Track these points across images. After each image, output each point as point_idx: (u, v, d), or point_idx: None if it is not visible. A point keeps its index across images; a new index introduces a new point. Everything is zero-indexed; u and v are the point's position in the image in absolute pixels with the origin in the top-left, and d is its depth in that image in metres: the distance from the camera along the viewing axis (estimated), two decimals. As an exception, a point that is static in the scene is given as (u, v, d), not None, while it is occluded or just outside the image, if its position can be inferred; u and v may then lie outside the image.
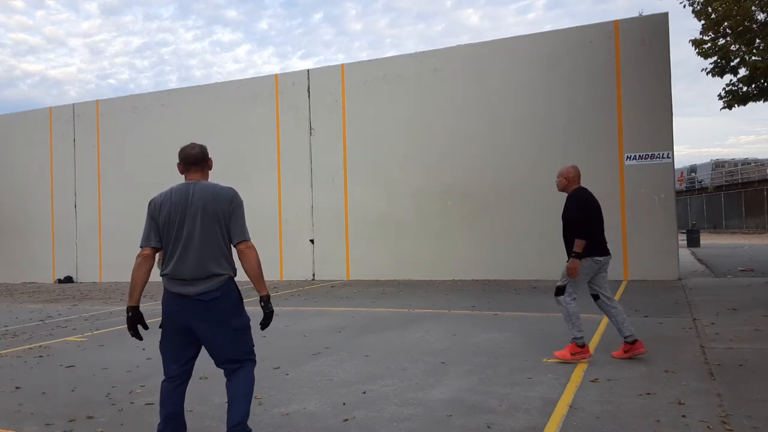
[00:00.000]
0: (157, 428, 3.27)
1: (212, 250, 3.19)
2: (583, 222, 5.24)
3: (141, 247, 3.28)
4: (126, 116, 17.27)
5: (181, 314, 3.19)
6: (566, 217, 5.47)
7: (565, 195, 5.71)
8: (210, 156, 3.45)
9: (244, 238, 3.24)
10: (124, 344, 7.05)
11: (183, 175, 3.38)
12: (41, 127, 18.37)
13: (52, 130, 18.26)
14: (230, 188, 3.31)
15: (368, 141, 14.41)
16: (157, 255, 3.33)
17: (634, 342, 5.23)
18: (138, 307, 3.26)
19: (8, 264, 18.70)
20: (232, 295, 3.24)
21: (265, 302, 3.31)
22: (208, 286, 3.16)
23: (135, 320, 3.25)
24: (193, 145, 3.38)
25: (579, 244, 5.17)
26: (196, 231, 3.18)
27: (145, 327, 3.29)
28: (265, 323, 3.33)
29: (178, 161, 3.39)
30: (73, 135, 17.94)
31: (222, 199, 3.23)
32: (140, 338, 3.28)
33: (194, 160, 3.33)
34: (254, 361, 3.36)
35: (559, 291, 5.33)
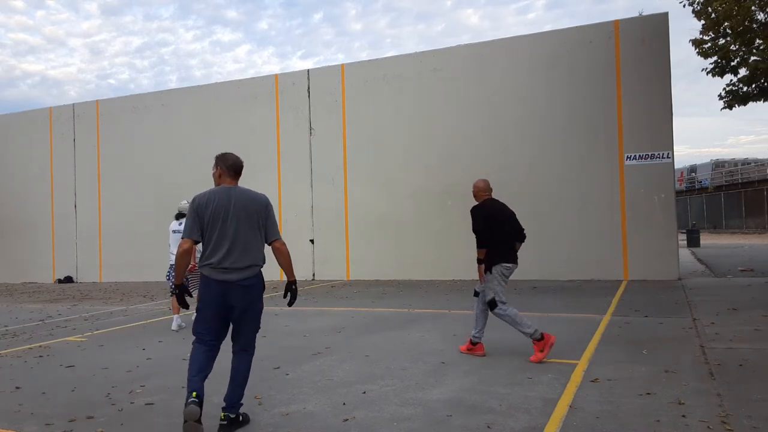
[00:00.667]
0: (190, 380, 3.76)
1: (250, 245, 3.84)
2: (483, 231, 5.58)
3: (182, 238, 3.85)
4: (126, 116, 17.27)
5: (224, 297, 3.79)
6: (473, 227, 5.74)
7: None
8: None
9: (278, 237, 3.96)
10: (124, 344, 7.05)
11: (218, 178, 3.97)
12: (41, 127, 18.37)
13: (52, 130, 18.26)
14: (263, 195, 4.01)
15: (368, 141, 14.41)
16: (197, 246, 3.96)
17: (476, 344, 5.68)
18: (182, 284, 3.98)
19: (8, 264, 18.70)
20: (262, 283, 3.96)
21: (294, 286, 4.03)
22: (247, 273, 3.83)
23: (181, 293, 3.99)
24: (236, 156, 4.02)
25: (480, 252, 5.59)
26: (238, 229, 3.80)
27: (191, 296, 4.17)
28: (291, 302, 4.06)
29: (219, 166, 3.96)
30: (73, 135, 17.94)
31: (258, 203, 3.92)
32: (187, 306, 4.11)
33: (238, 169, 3.99)
34: (255, 337, 4.03)
35: (492, 305, 5.56)
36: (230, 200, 3.81)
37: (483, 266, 5.56)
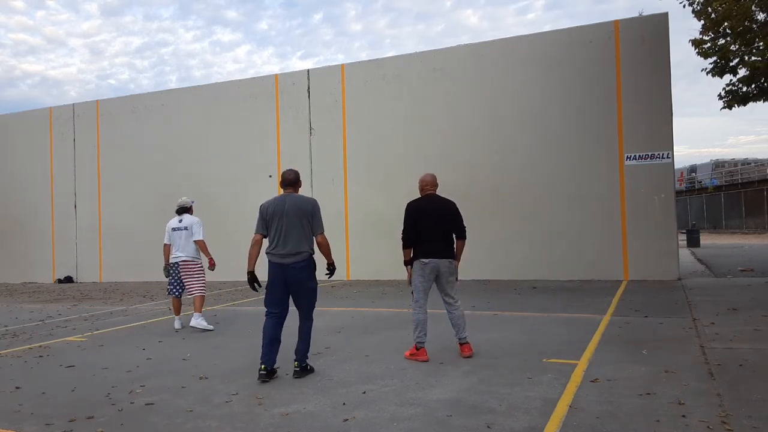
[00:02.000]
0: (262, 351, 5.04)
1: (299, 237, 5.05)
2: (403, 230, 5.66)
3: (256, 231, 5.16)
4: (126, 116, 17.26)
5: (282, 275, 5.05)
6: None
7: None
8: (300, 179, 5.43)
9: (320, 232, 5.19)
10: (124, 344, 7.05)
11: (281, 188, 5.34)
12: (41, 127, 18.37)
13: (52, 130, 18.26)
14: (311, 198, 5.26)
15: (368, 141, 14.41)
16: (264, 239, 5.20)
17: (419, 349, 5.55)
18: (253, 271, 5.17)
19: (8, 264, 18.70)
20: (311, 265, 5.12)
21: (333, 265, 5.26)
22: (299, 258, 5.04)
23: (252, 279, 5.16)
24: (290, 171, 5.33)
25: (403, 253, 5.70)
26: (291, 225, 5.04)
27: (260, 285, 5.16)
28: (331, 274, 5.23)
29: (280, 180, 5.38)
30: (73, 135, 17.94)
31: (306, 205, 5.15)
32: (256, 290, 5.26)
33: (288, 182, 5.28)
34: (313, 308, 5.27)
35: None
36: (284, 205, 5.09)
37: (408, 268, 5.73)
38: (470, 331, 6.87)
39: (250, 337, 7.02)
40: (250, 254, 5.13)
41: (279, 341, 5.09)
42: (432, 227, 5.58)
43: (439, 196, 5.85)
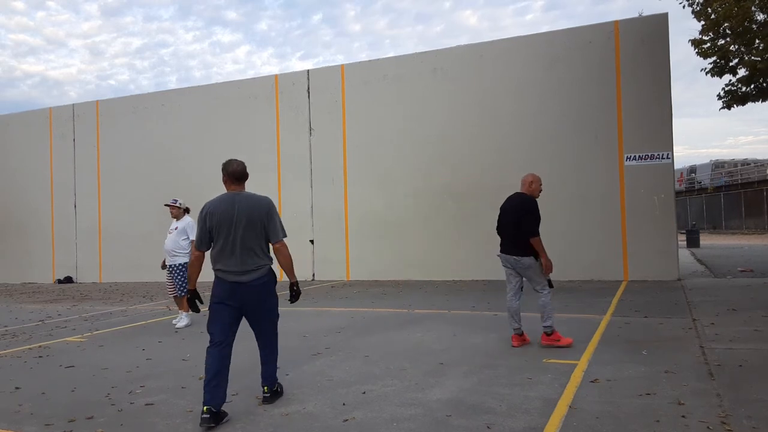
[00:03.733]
0: (204, 389, 3.96)
1: (256, 247, 4.13)
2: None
3: (197, 248, 4.22)
4: (126, 117, 17.26)
5: (237, 297, 4.10)
6: None
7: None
8: (247, 171, 4.37)
9: (279, 238, 4.22)
10: (124, 344, 7.05)
11: (224, 185, 4.26)
12: (41, 127, 18.37)
13: (52, 130, 18.26)
14: (265, 197, 4.27)
15: (368, 141, 14.41)
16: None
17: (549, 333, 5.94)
18: (195, 290, 4.35)
19: (8, 264, 18.70)
20: (272, 280, 4.26)
21: (296, 287, 4.39)
22: (258, 274, 4.14)
23: (194, 298, 4.34)
24: (238, 163, 4.25)
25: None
26: (244, 234, 4.08)
27: (201, 302, 4.39)
28: (293, 299, 4.42)
29: (223, 174, 4.22)
30: (73, 135, 17.94)
31: (260, 207, 4.17)
32: (198, 310, 4.47)
33: (240, 175, 4.25)
34: (276, 325, 4.45)
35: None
36: (234, 207, 4.09)
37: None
38: (470, 331, 6.89)
39: (250, 338, 7.02)
40: (189, 274, 4.32)
41: (227, 375, 4.10)
42: (503, 223, 6.24)
43: (518, 194, 6.21)
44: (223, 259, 4.10)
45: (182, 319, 8.09)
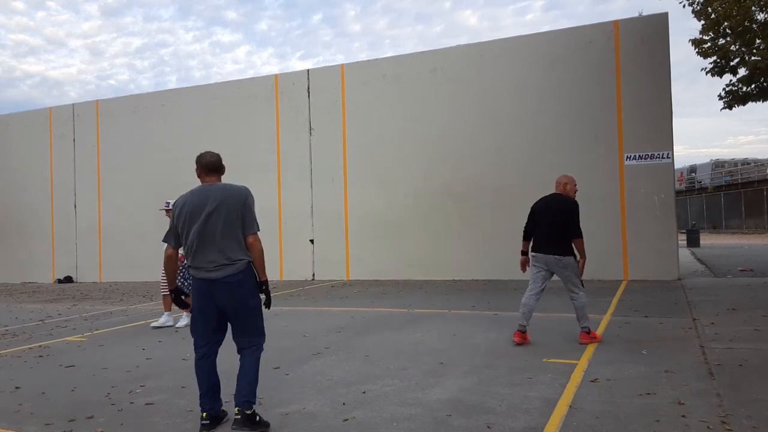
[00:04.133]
0: (200, 399, 3.86)
1: (232, 241, 3.74)
2: (524, 227, 6.36)
3: (164, 241, 3.99)
4: (126, 116, 17.27)
5: (211, 296, 3.74)
6: None
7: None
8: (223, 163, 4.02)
9: (252, 231, 3.81)
10: (124, 344, 7.05)
11: (199, 179, 3.94)
12: (41, 127, 18.37)
13: (52, 130, 18.26)
14: (243, 186, 3.89)
15: (368, 141, 14.41)
16: (180, 250, 3.92)
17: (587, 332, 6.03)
18: (176, 288, 4.02)
19: (8, 264, 18.70)
20: (250, 277, 3.79)
21: (266, 286, 3.86)
22: (232, 270, 3.71)
23: (178, 296, 4.04)
24: (211, 154, 3.95)
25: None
26: (219, 225, 3.72)
27: (187, 295, 4.10)
28: (267, 303, 3.92)
29: (197, 166, 3.93)
30: (73, 135, 17.94)
31: (237, 196, 3.80)
32: (185, 306, 4.16)
33: (213, 166, 3.92)
34: (264, 336, 3.92)
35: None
36: (207, 198, 3.75)
37: (523, 258, 6.40)
38: (470, 331, 6.90)
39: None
40: (166, 272, 4.03)
41: (219, 385, 3.91)
42: (542, 223, 6.17)
43: (557, 195, 6.27)
44: (195, 253, 3.75)
45: (182, 319, 8.10)
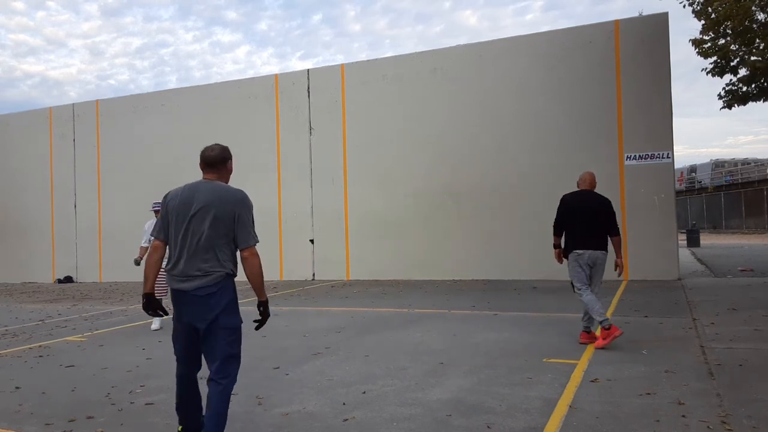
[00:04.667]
0: (175, 407, 3.49)
1: (210, 249, 3.22)
2: (555, 221, 6.19)
3: (154, 236, 3.43)
4: (126, 116, 17.27)
5: (182, 309, 3.28)
6: None
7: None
8: (231, 160, 3.55)
9: (248, 245, 3.25)
10: (124, 344, 7.05)
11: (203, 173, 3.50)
12: (41, 127, 18.37)
13: (52, 130, 18.26)
14: (239, 191, 3.33)
15: (368, 141, 14.41)
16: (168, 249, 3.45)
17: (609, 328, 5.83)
18: (151, 293, 3.37)
19: (8, 264, 18.70)
20: (226, 293, 3.26)
21: (264, 308, 3.34)
22: (205, 281, 3.20)
23: (148, 305, 3.39)
24: (213, 147, 3.47)
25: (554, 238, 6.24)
26: (199, 229, 3.22)
27: (165, 313, 3.47)
28: (259, 325, 3.37)
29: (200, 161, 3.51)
30: (73, 135, 17.94)
31: (227, 201, 3.26)
32: (160, 315, 3.50)
33: (212, 162, 3.42)
34: (238, 363, 3.33)
35: (573, 287, 6.11)
36: (196, 196, 3.26)
37: (557, 251, 6.24)
38: (470, 331, 6.90)
39: (250, 337, 7.02)
40: (145, 270, 3.39)
41: (200, 404, 3.48)
42: (581, 220, 6.00)
43: (594, 192, 6.17)
44: (170, 258, 3.32)
45: (156, 322, 8.05)
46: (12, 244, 18.73)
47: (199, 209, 3.23)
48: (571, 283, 6.14)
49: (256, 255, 3.26)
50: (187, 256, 3.22)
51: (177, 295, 3.27)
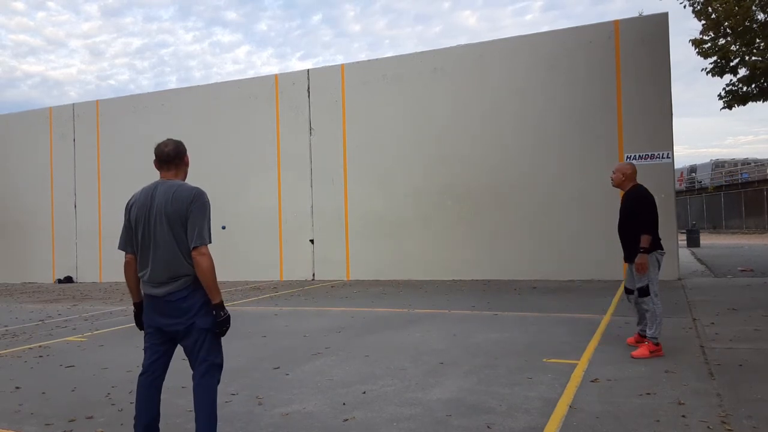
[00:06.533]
0: (134, 423, 3.36)
1: (175, 252, 3.16)
2: (647, 218, 5.36)
3: (120, 248, 3.38)
4: (126, 116, 17.27)
5: (153, 314, 3.24)
6: (629, 213, 5.52)
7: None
8: (187, 153, 3.41)
9: (196, 244, 3.11)
10: (124, 344, 7.04)
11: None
12: (41, 127, 18.37)
13: (52, 130, 18.26)
14: (194, 188, 3.22)
15: (368, 141, 14.41)
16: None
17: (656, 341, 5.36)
18: (140, 302, 3.38)
19: (8, 264, 18.70)
20: (200, 294, 3.19)
21: (217, 310, 3.18)
22: (174, 286, 3.16)
23: (139, 316, 3.40)
24: (166, 143, 3.33)
25: (646, 240, 5.31)
26: (158, 233, 3.17)
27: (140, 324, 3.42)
28: (221, 329, 3.22)
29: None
30: (73, 135, 17.94)
31: (180, 199, 3.16)
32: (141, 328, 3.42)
33: (167, 158, 3.30)
34: (220, 367, 3.30)
35: (644, 292, 5.38)
36: (152, 199, 3.23)
37: (646, 256, 5.33)
38: (470, 331, 6.90)
39: (250, 337, 7.03)
40: (127, 284, 3.40)
41: (157, 419, 3.39)
42: (655, 221, 5.47)
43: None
44: (140, 265, 3.27)
45: None
46: (12, 244, 18.72)
47: (157, 214, 3.18)
48: (641, 288, 5.38)
49: (206, 255, 3.12)
50: (154, 262, 3.18)
51: (148, 301, 3.25)
